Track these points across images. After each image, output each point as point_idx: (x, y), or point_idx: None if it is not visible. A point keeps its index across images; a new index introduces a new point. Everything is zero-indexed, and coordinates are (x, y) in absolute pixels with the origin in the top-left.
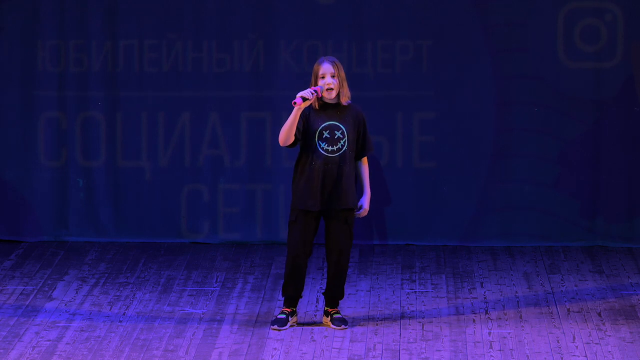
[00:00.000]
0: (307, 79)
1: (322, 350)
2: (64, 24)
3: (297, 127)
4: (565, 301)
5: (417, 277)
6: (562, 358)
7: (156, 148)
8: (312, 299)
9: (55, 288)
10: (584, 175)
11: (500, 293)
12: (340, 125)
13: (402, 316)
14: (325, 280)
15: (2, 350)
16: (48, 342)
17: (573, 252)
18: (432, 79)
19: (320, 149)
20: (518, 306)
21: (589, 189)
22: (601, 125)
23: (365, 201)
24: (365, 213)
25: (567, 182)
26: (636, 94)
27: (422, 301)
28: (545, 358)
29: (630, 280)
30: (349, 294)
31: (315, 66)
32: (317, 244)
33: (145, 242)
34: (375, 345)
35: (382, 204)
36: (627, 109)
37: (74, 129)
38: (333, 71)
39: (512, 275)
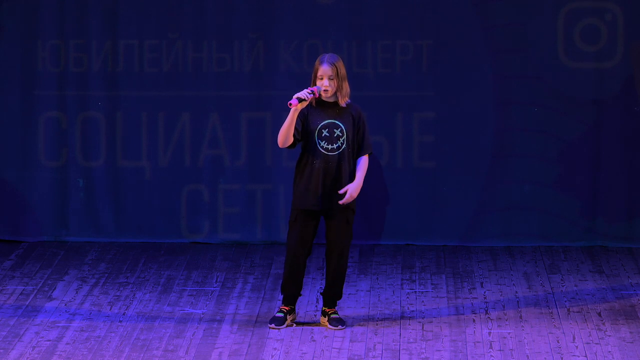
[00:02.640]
0: (308, 78)
1: (322, 350)
2: (64, 24)
3: (296, 128)
4: (565, 301)
5: (417, 277)
6: (562, 358)
7: (156, 148)
8: (312, 299)
9: (55, 288)
10: (584, 175)
11: (500, 293)
12: (339, 124)
13: (402, 316)
14: (324, 280)
15: (2, 350)
16: (48, 342)
17: (573, 252)
18: (432, 79)
19: (319, 148)
20: (518, 306)
21: (589, 189)
22: (601, 125)
23: (352, 187)
24: (350, 199)
25: (567, 182)
26: (636, 94)
27: (422, 301)
28: (545, 358)
29: (630, 280)
30: (348, 294)
31: (316, 64)
32: (317, 244)
33: (145, 242)
34: (375, 345)
35: (382, 204)
36: (627, 109)
37: (74, 129)
38: (331, 74)
39: (512, 275)
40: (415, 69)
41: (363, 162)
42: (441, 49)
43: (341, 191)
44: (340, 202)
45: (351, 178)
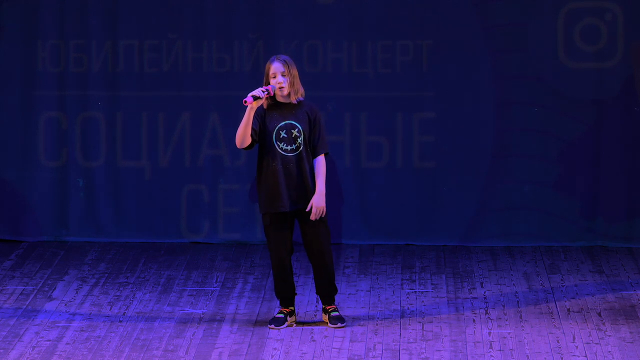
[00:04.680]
0: (307, 79)
1: (322, 350)
2: (64, 24)
3: (254, 129)
4: (565, 301)
5: (417, 277)
6: (562, 358)
7: (156, 148)
8: (312, 299)
9: (55, 288)
10: (584, 175)
11: (500, 293)
12: (296, 124)
13: (402, 316)
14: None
15: (2, 350)
16: (48, 342)
17: (573, 252)
18: (432, 79)
19: (278, 149)
20: (518, 306)
21: (589, 189)
22: (601, 125)
23: (316, 198)
24: (318, 212)
25: (567, 182)
26: (636, 94)
27: (422, 301)
28: (545, 358)
29: (630, 280)
30: (348, 294)
31: (267, 65)
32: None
33: (145, 242)
34: (375, 345)
35: (382, 204)
36: (627, 109)
37: (74, 129)
38: (283, 70)
39: (512, 275)
40: (415, 69)
41: (321, 166)
42: (441, 49)
43: (307, 209)
44: (311, 217)
45: (312, 177)
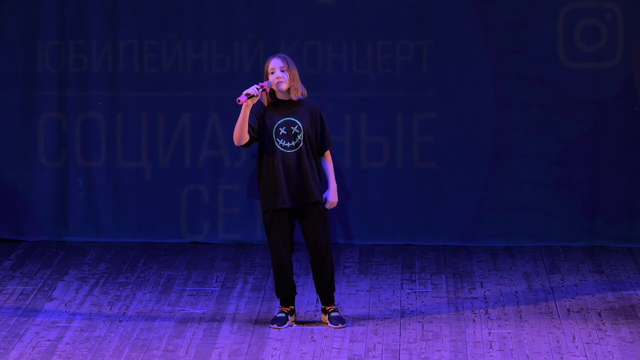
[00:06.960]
0: (307, 79)
1: (322, 350)
2: (64, 24)
3: (252, 126)
4: (565, 301)
5: (417, 277)
6: (562, 358)
7: (156, 148)
8: (312, 299)
9: (55, 288)
10: (584, 175)
11: (500, 293)
12: (296, 121)
13: (402, 316)
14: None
15: (2, 350)
16: (48, 342)
17: (573, 252)
18: (432, 79)
19: (278, 146)
20: (518, 306)
21: (589, 189)
22: (601, 125)
23: (330, 194)
24: (332, 206)
25: (567, 182)
26: (636, 94)
27: (422, 301)
28: (545, 358)
29: (630, 280)
30: (348, 294)
31: (266, 63)
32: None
33: (145, 242)
34: (375, 345)
35: (382, 204)
36: (627, 109)
37: (74, 129)
38: (282, 65)
39: (512, 275)
40: (415, 69)
41: (330, 162)
42: (441, 49)
43: (327, 205)
44: (327, 206)
45: (312, 173)
